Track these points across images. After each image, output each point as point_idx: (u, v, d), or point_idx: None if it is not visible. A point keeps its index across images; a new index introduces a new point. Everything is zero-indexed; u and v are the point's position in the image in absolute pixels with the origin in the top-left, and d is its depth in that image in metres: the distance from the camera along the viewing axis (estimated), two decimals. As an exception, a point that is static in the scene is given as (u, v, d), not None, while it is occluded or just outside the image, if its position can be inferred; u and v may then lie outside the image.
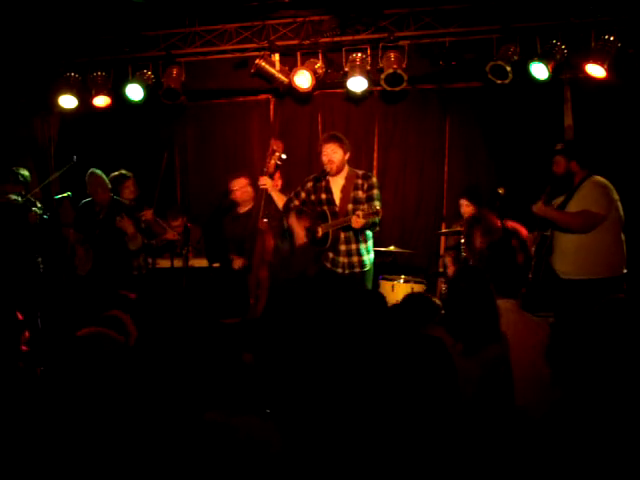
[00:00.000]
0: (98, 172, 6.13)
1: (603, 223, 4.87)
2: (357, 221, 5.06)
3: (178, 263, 6.00)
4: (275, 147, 5.82)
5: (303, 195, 5.60)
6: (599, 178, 4.99)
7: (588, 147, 5.22)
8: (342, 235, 5.40)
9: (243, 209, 6.21)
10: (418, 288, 5.96)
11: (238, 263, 6.01)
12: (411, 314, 3.60)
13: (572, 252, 4.94)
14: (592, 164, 5.05)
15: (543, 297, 4.98)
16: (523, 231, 4.94)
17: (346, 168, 5.50)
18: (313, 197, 5.53)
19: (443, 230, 6.63)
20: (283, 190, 5.98)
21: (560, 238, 5.03)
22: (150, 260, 6.22)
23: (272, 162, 5.82)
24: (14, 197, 6.05)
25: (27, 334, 3.26)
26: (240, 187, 6.17)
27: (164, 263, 6.23)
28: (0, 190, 6.10)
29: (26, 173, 6.29)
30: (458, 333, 3.22)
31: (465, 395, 2.44)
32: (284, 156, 5.86)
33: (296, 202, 5.61)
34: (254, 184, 6.08)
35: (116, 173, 6.39)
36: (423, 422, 2.15)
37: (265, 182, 5.81)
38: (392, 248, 6.31)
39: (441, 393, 2.23)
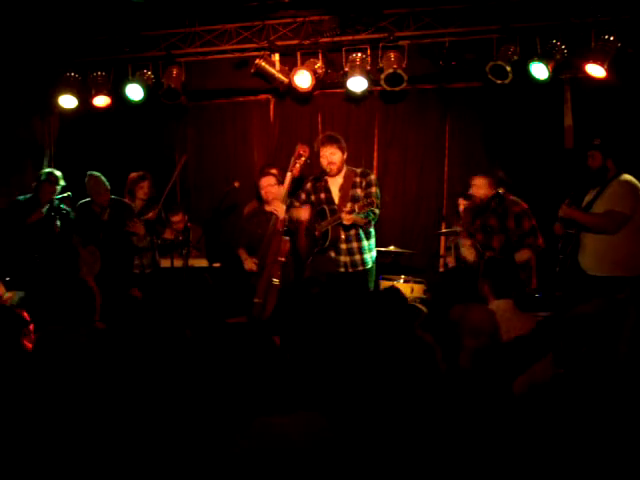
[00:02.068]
0: (96, 174, 6.14)
1: (630, 222, 4.84)
2: (346, 217, 5.11)
3: (178, 263, 6.00)
4: (302, 151, 5.76)
5: (303, 196, 5.64)
6: (627, 177, 4.96)
7: (625, 146, 5.18)
8: (343, 234, 5.41)
9: (269, 207, 6.02)
10: (418, 288, 5.96)
11: (250, 265, 5.89)
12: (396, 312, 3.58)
13: (597, 249, 4.93)
14: (625, 162, 5.02)
15: (568, 292, 4.98)
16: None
17: (344, 167, 5.52)
18: (313, 197, 5.57)
19: (443, 230, 6.63)
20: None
21: (586, 235, 5.01)
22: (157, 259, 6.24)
23: (297, 166, 5.79)
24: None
25: (32, 327, 3.27)
26: (265, 186, 5.99)
27: (165, 263, 6.21)
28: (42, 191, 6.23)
29: (59, 174, 6.33)
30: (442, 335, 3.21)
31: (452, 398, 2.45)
32: (309, 161, 5.85)
33: (296, 204, 5.67)
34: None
35: (135, 174, 6.39)
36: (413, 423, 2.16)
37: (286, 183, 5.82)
38: (392, 248, 6.31)
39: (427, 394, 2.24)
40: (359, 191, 5.41)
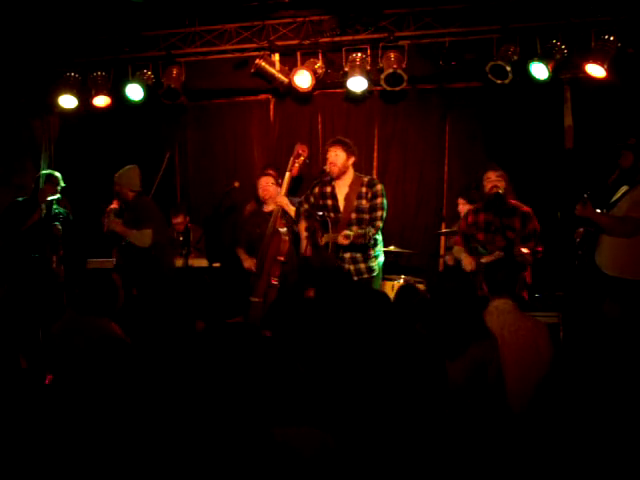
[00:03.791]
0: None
1: None
2: (342, 242, 5.23)
3: (178, 263, 5.99)
4: (300, 151, 5.83)
5: (312, 199, 5.58)
6: None
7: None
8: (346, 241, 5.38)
9: (267, 208, 6.05)
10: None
11: (249, 265, 5.92)
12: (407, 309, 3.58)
13: (611, 249, 4.89)
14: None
15: (585, 289, 4.98)
16: None
17: (351, 174, 5.49)
18: (321, 202, 5.53)
19: (443, 230, 6.63)
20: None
21: (604, 235, 4.96)
22: None
23: (296, 166, 5.82)
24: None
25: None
26: (263, 185, 6.03)
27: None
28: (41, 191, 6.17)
29: (59, 176, 6.28)
30: (442, 335, 3.20)
31: (452, 397, 2.45)
32: (308, 161, 5.90)
33: (306, 206, 5.57)
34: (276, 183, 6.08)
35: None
36: (417, 421, 2.15)
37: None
38: (392, 248, 6.30)
39: (433, 393, 2.22)
40: (364, 202, 5.37)
